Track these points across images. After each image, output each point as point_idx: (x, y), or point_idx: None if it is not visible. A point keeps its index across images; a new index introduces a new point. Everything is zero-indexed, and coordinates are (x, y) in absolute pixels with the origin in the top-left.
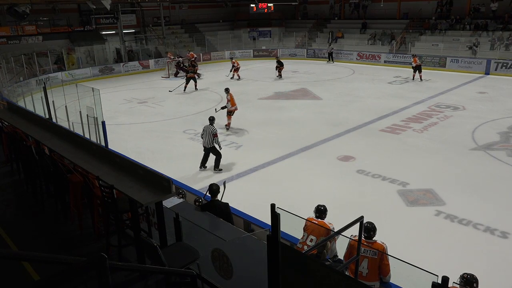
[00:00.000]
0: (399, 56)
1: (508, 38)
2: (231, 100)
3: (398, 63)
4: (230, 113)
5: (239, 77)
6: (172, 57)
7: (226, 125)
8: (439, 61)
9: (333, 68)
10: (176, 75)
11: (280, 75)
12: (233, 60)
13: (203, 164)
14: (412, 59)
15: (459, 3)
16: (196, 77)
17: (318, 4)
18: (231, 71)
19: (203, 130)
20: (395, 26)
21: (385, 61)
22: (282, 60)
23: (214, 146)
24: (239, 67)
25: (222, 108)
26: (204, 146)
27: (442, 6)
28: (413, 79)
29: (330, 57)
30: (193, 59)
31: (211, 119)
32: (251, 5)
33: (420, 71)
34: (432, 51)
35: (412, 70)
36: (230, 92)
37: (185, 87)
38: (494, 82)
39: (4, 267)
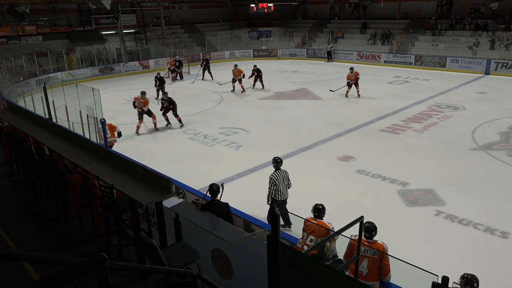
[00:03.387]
0: (399, 56)
1: (508, 38)
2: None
3: (398, 63)
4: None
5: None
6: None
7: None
8: (439, 61)
9: (333, 68)
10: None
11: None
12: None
13: (289, 225)
14: (353, 73)
15: (459, 3)
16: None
17: (318, 4)
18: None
19: (274, 179)
20: (395, 26)
21: (385, 61)
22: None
23: None
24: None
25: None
26: (282, 200)
27: (442, 6)
28: (347, 95)
29: (329, 56)
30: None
31: (280, 161)
32: (251, 5)
33: (357, 85)
34: (432, 51)
35: (348, 85)
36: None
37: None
38: (494, 82)
39: (4, 267)
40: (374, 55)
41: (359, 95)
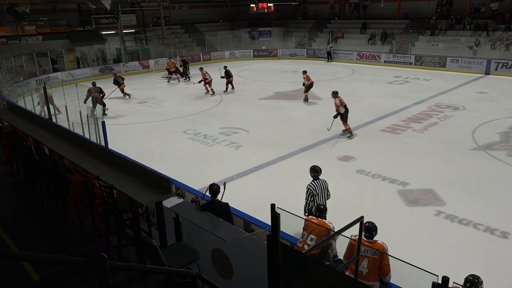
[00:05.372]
0: (399, 56)
1: (508, 38)
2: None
3: (398, 63)
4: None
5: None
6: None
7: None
8: (439, 61)
9: (333, 68)
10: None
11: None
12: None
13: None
14: (305, 76)
15: (459, 3)
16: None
17: (318, 4)
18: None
19: (312, 189)
20: (395, 26)
21: (385, 61)
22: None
23: None
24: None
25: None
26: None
27: (442, 6)
28: (306, 100)
29: (329, 56)
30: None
31: (319, 170)
32: (251, 5)
33: (306, 89)
34: (432, 51)
35: (304, 88)
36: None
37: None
38: (494, 82)
39: (4, 267)
40: (374, 55)
41: (304, 99)
